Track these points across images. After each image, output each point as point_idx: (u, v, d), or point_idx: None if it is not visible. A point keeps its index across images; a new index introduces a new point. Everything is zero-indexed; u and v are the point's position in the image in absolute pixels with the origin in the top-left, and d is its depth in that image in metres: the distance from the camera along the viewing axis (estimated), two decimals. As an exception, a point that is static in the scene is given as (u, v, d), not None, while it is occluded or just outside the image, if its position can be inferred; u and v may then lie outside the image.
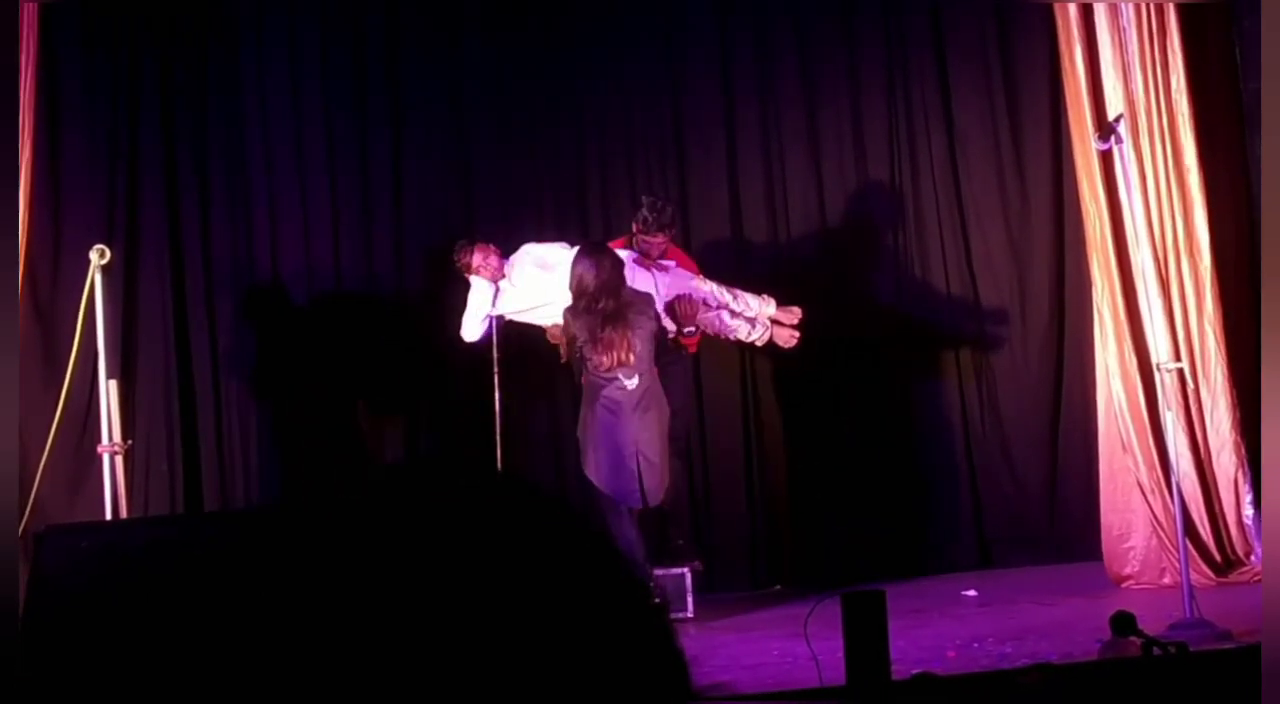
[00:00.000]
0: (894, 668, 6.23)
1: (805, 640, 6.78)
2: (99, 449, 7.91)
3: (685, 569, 8.94)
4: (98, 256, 7.87)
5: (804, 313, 9.40)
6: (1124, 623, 6.42)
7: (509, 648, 1.20)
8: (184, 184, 9.93)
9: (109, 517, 7.68)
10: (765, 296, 9.40)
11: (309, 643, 1.20)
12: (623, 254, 9.26)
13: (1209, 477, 9.04)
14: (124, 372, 9.22)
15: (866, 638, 6.17)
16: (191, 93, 9.98)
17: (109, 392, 7.90)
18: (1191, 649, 6.37)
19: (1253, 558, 8.91)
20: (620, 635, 1.25)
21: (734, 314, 9.33)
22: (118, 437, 7.87)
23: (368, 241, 10.22)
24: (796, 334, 9.41)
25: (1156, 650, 6.22)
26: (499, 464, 8.96)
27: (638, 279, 9.13)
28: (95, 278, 7.87)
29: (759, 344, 9.49)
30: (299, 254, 10.09)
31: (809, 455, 10.38)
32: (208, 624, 1.24)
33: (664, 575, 8.82)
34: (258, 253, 10.05)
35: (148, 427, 9.63)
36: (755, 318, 9.35)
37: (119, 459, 7.84)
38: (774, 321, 9.40)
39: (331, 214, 10.14)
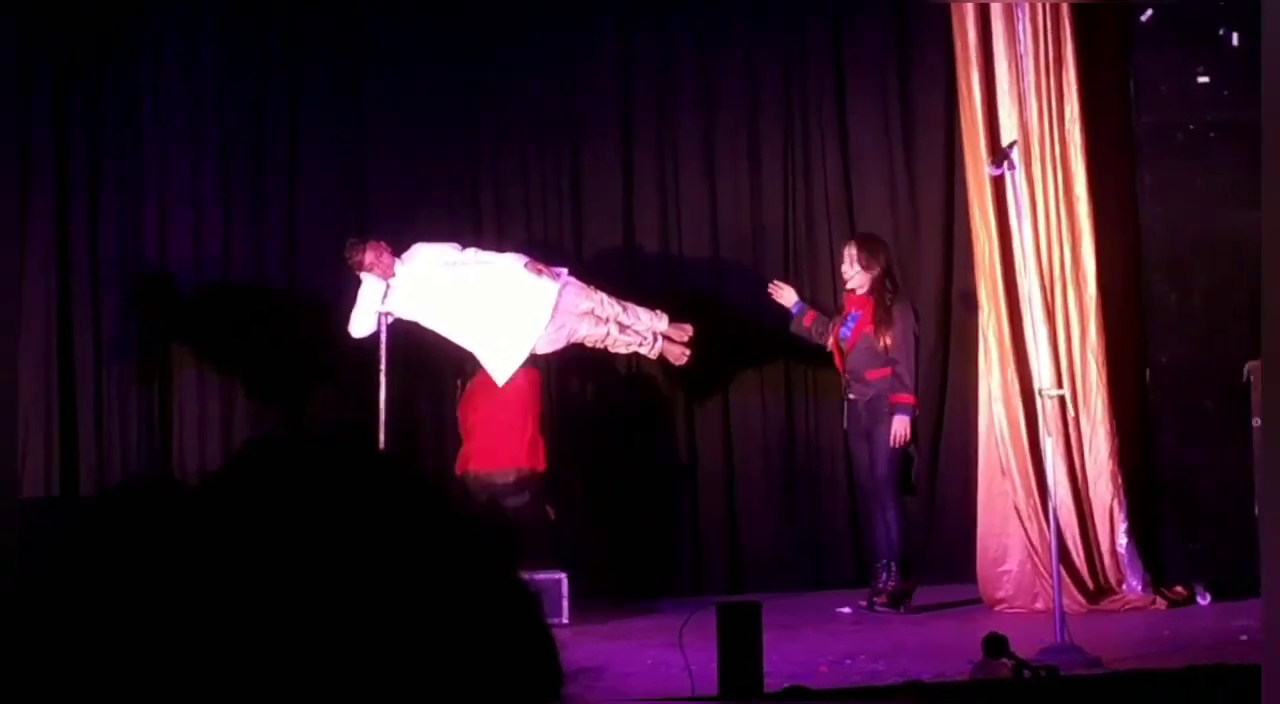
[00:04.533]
0: (766, 680, 6.25)
1: (679, 649, 6.79)
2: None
3: (563, 575, 8.89)
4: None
5: (695, 329, 9.43)
6: (996, 645, 6.46)
7: (369, 626, 1.19)
8: (75, 174, 9.86)
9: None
10: (658, 311, 9.41)
11: (164, 626, 1.19)
12: (517, 258, 9.27)
13: (1085, 504, 9.13)
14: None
15: (740, 649, 6.19)
16: (85, 83, 9.89)
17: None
18: (1061, 674, 6.43)
19: (1124, 587, 9.02)
20: (488, 615, 1.24)
21: (623, 328, 9.32)
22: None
23: (258, 235, 10.15)
24: (687, 351, 9.43)
25: (1027, 673, 6.27)
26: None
27: (535, 286, 9.14)
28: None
29: (651, 357, 9.52)
30: (188, 246, 10.02)
31: (690, 469, 10.39)
32: (65, 606, 1.22)
33: (544, 580, 8.76)
34: (146, 244, 9.98)
35: (27, 415, 9.52)
36: (645, 333, 9.36)
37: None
38: (665, 337, 9.41)
39: (224, 204, 10.06)
